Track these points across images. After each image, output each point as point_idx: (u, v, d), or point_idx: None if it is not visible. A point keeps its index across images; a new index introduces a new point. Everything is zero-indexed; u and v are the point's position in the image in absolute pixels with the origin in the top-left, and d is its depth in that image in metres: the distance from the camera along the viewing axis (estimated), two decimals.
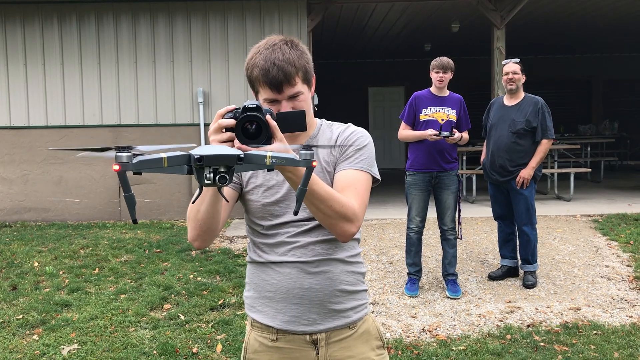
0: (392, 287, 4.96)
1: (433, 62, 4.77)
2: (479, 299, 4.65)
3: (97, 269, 5.56)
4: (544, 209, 7.61)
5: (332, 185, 1.63)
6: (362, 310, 1.75)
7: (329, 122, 1.78)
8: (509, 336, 3.90)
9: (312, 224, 1.65)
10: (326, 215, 1.53)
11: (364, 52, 13.34)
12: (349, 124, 1.76)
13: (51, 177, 7.99)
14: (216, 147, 1.14)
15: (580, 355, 3.58)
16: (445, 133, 4.56)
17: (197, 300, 4.65)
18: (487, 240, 6.32)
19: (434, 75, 4.75)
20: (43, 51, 7.91)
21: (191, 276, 5.25)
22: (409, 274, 4.86)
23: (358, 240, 1.74)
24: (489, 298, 4.65)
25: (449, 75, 4.74)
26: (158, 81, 7.94)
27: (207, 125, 7.90)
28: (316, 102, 8.11)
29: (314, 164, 1.18)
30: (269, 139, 1.34)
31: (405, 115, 4.83)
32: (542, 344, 3.77)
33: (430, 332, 4.06)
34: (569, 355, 3.60)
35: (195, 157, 1.09)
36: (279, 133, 1.36)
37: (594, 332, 3.93)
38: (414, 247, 4.80)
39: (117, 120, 7.96)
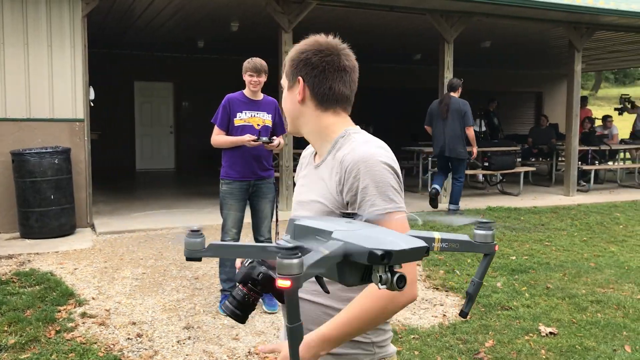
0: (204, 306, 4.54)
1: (246, 64, 4.48)
2: None
3: None
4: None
5: None
6: None
7: (352, 134, 1.49)
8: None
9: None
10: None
11: (132, 43, 12.36)
12: (354, 143, 1.45)
13: None
14: (394, 235, 0.83)
15: None
16: (265, 139, 4.32)
17: None
18: None
19: (247, 78, 4.46)
20: None
21: None
22: (222, 290, 4.50)
23: None
24: None
25: (263, 79, 4.50)
26: None
27: None
28: (92, 97, 7.18)
29: (497, 247, 0.90)
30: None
31: (219, 119, 4.46)
32: None
33: (257, 354, 3.77)
34: None
35: (379, 254, 0.77)
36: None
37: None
38: (229, 262, 4.44)
39: None
